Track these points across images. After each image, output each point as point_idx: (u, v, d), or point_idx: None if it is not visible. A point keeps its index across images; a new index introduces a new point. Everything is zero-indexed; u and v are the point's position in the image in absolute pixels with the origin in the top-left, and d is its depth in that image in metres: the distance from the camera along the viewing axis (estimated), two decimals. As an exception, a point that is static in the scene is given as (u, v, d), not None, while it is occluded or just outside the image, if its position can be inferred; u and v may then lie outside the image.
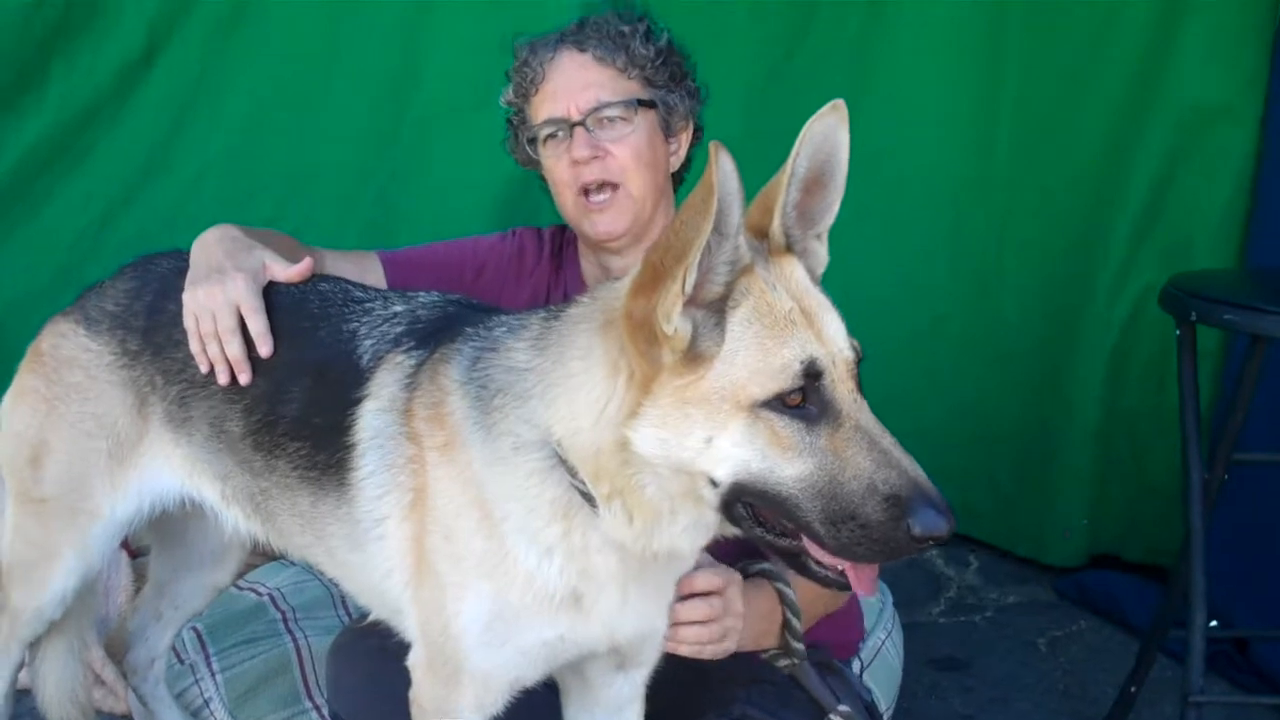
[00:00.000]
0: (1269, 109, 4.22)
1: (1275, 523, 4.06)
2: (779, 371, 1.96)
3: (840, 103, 2.06)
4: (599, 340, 2.11)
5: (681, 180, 3.13)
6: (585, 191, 2.93)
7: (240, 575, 3.71)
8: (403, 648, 2.48)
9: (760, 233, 2.09)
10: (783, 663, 2.68)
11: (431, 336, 2.46)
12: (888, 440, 1.97)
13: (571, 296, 2.93)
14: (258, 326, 2.61)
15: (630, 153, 2.91)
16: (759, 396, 1.96)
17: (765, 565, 2.64)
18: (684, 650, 2.54)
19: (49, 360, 2.86)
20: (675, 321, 1.96)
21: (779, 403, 1.96)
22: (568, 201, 2.97)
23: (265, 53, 4.54)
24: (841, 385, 1.98)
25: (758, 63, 4.69)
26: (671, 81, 2.99)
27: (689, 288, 1.94)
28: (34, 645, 3.13)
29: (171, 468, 2.81)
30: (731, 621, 2.53)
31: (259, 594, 3.85)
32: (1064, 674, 4.32)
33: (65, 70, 4.37)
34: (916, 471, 1.94)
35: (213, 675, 3.58)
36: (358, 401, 2.48)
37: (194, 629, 3.67)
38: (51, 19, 4.29)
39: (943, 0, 4.62)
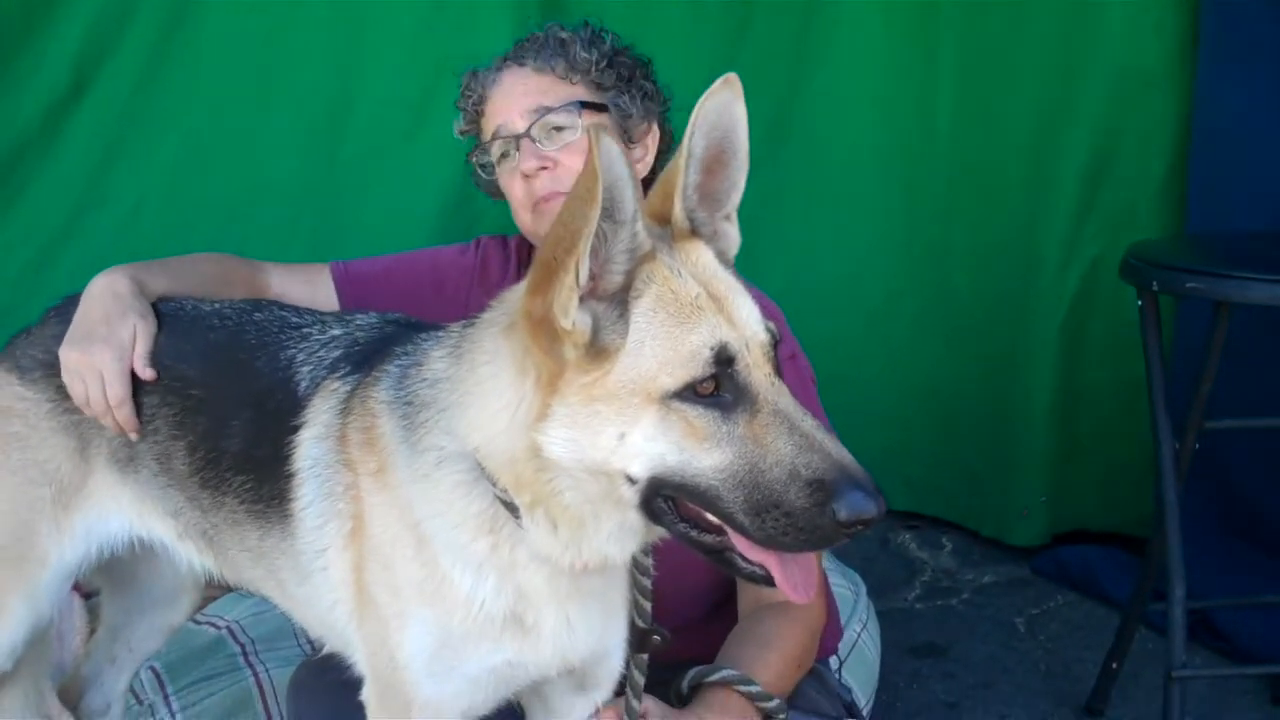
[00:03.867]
0: (1198, 75, 4.19)
1: (1235, 491, 4.00)
2: (688, 359, 1.88)
3: (733, 76, 1.97)
4: (504, 343, 2.03)
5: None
6: (536, 203, 2.83)
7: (198, 609, 3.62)
8: (361, 682, 2.40)
9: (663, 219, 2.02)
10: None
11: (367, 360, 2.39)
12: (809, 423, 1.89)
13: None
14: (116, 397, 2.59)
15: (576, 157, 2.77)
16: (670, 387, 1.88)
17: (724, 671, 2.54)
18: None
19: None
20: (573, 315, 1.88)
21: (691, 392, 1.88)
22: (524, 216, 2.87)
23: (198, 80, 4.50)
24: (757, 370, 1.91)
25: (700, 64, 4.63)
26: (621, 83, 2.88)
27: (583, 279, 1.87)
28: (-14, 698, 3.04)
29: (120, 507, 2.74)
30: None
31: (217, 627, 3.76)
32: (1045, 653, 4.28)
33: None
34: (841, 454, 1.86)
35: (172, 715, 3.49)
36: (295, 430, 2.41)
37: (151, 668, 3.58)
38: None
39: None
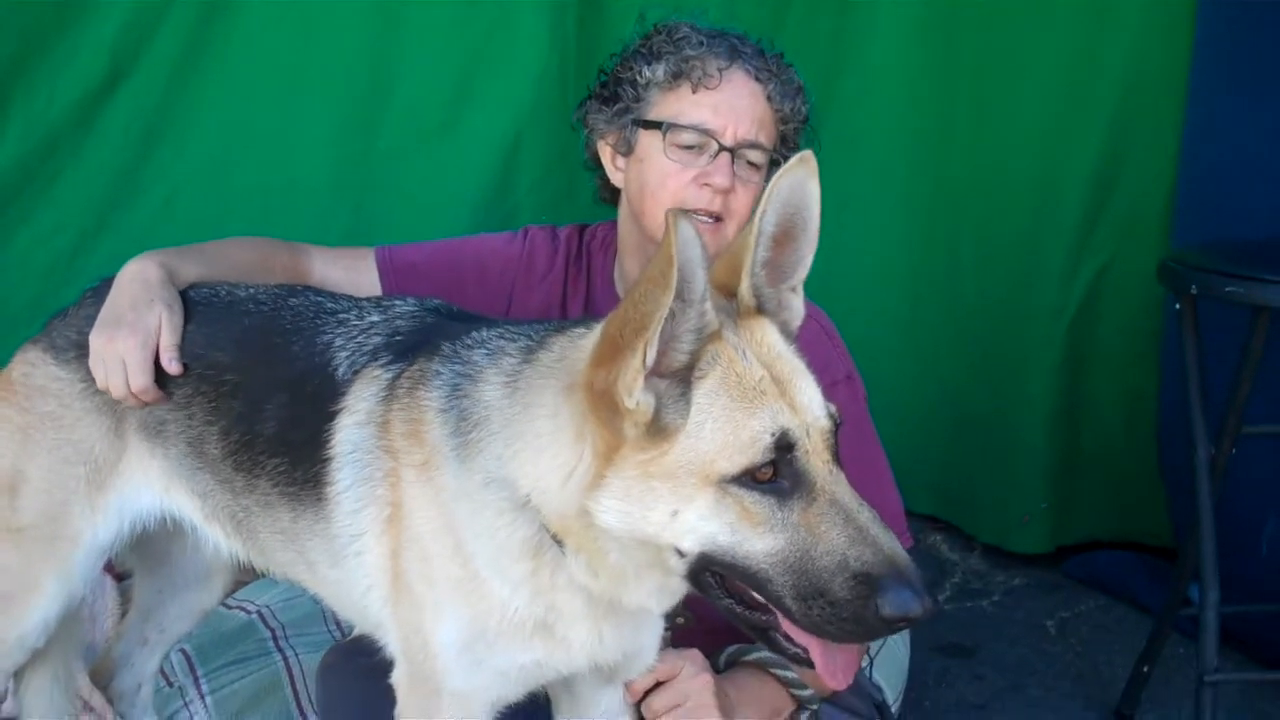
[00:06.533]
0: (1190, 83, 4.18)
1: (1253, 498, 3.95)
2: (748, 445, 1.87)
3: (808, 154, 1.99)
4: (565, 403, 2.02)
5: None
6: (691, 209, 2.73)
7: (229, 594, 3.64)
8: (391, 665, 2.41)
9: (728, 291, 2.01)
10: (803, 717, 2.60)
11: (410, 349, 2.39)
12: (865, 515, 1.88)
13: (594, 303, 2.82)
14: (139, 385, 2.60)
15: (748, 199, 2.75)
16: (728, 471, 1.87)
17: (761, 653, 2.54)
18: None
19: (20, 389, 2.79)
20: (637, 395, 1.87)
21: (749, 478, 1.88)
22: (663, 206, 2.72)
23: (233, 73, 4.47)
24: (816, 457, 1.90)
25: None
26: (797, 146, 2.84)
27: (650, 361, 1.86)
28: (18, 675, 3.06)
29: (150, 482, 2.76)
30: (697, 699, 2.41)
31: (248, 612, 3.78)
32: (1075, 656, 4.25)
33: (25, 101, 4.30)
34: (893, 548, 1.86)
35: (202, 697, 3.51)
36: (334, 415, 2.42)
37: (182, 650, 3.60)
38: (8, 51, 4.22)
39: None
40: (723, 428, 1.88)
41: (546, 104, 4.36)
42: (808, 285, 2.88)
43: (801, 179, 1.99)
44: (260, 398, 2.55)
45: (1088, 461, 4.73)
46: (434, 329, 2.43)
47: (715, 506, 1.88)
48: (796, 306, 2.08)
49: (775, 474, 1.88)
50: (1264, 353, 3.39)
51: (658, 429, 1.89)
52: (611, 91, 2.83)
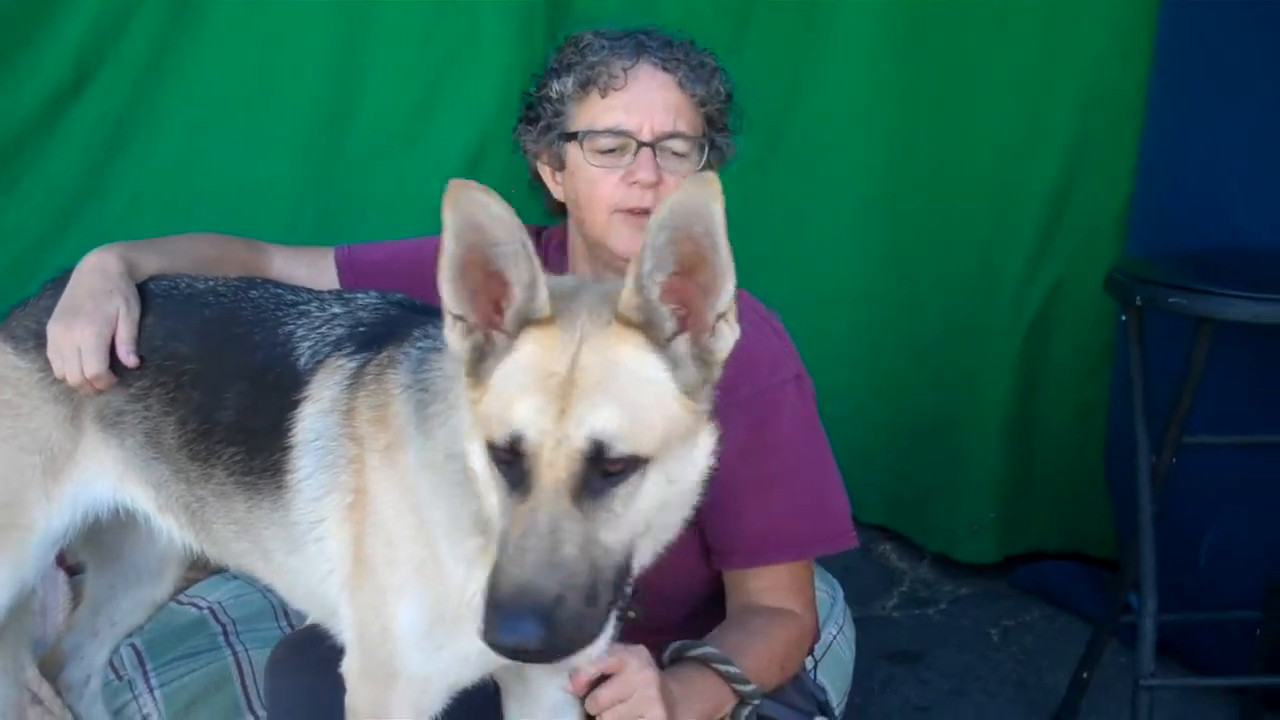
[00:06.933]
0: (1149, 96, 4.25)
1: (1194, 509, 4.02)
2: (499, 424, 1.94)
3: (711, 176, 1.91)
4: None
5: None
6: (626, 210, 2.74)
7: (180, 590, 3.65)
8: (340, 656, 2.43)
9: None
10: (744, 713, 2.62)
11: (375, 340, 2.43)
12: (535, 542, 1.89)
13: None
14: (93, 371, 2.63)
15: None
16: (488, 436, 1.97)
17: (705, 648, 2.56)
18: None
19: None
20: (451, 338, 2.03)
21: (494, 450, 1.96)
22: (599, 214, 2.75)
23: (200, 76, 4.47)
24: (549, 469, 1.91)
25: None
26: (726, 127, 2.85)
27: (451, 308, 2.01)
28: (-34, 666, 3.06)
29: (104, 472, 2.77)
30: (641, 692, 2.40)
31: (199, 607, 3.79)
32: (1018, 663, 4.32)
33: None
34: (524, 579, 1.87)
35: (151, 691, 3.51)
36: (296, 404, 2.45)
37: (132, 645, 3.60)
38: None
39: (869, 7, 4.62)
40: (499, 398, 1.96)
41: (512, 110, 4.30)
42: (766, 293, 2.92)
43: (702, 200, 1.90)
44: (219, 387, 2.57)
45: (1038, 473, 4.79)
46: (398, 320, 2.47)
47: (480, 457, 2.00)
48: (725, 332, 2.03)
49: (511, 464, 1.94)
50: (1207, 364, 3.44)
51: (479, 377, 2.01)
52: (535, 111, 2.86)
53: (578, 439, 1.90)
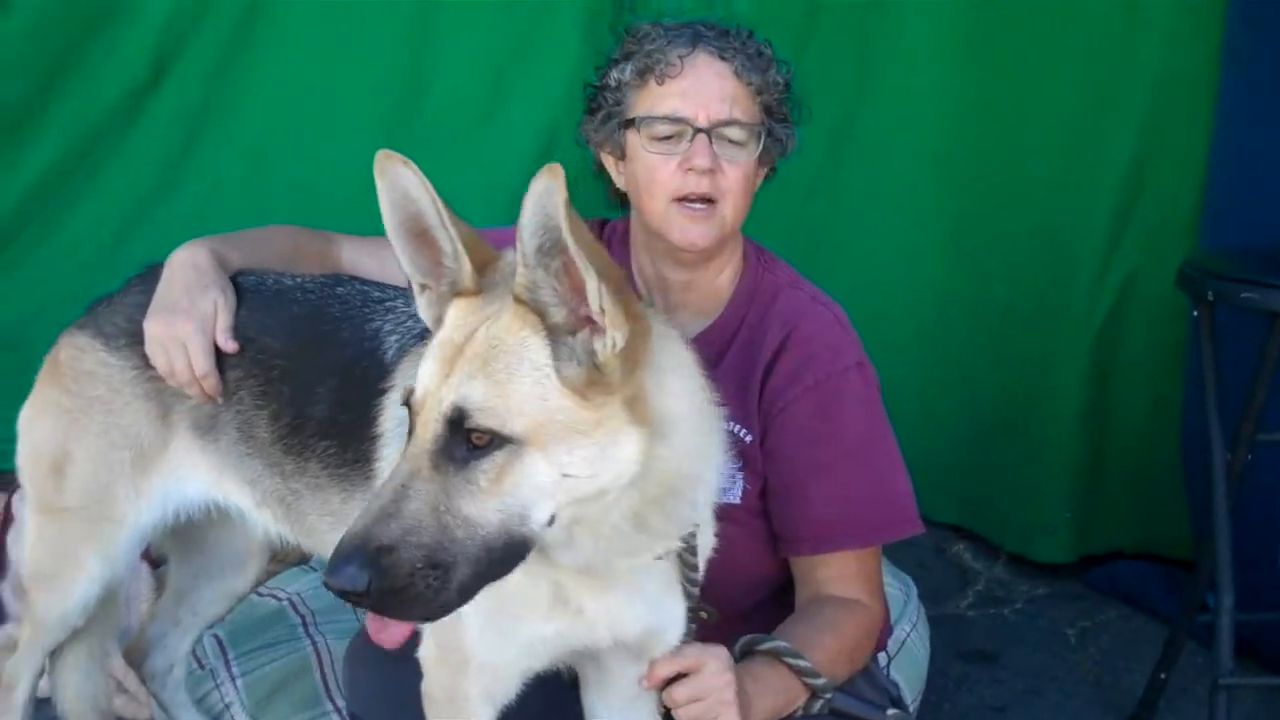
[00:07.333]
0: (1221, 85, 4.17)
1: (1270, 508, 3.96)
2: (407, 381, 2.06)
3: (555, 166, 1.88)
4: None
5: None
6: (682, 198, 2.76)
7: (260, 582, 3.72)
8: (416, 647, 2.46)
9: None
10: (816, 706, 2.63)
11: None
12: (388, 495, 1.94)
13: None
14: (201, 369, 2.70)
15: (740, 176, 2.75)
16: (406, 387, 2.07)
17: (775, 642, 2.57)
18: None
19: (68, 373, 2.89)
20: (419, 305, 2.15)
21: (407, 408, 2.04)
22: (658, 202, 2.76)
23: (275, 68, 4.58)
24: (422, 428, 1.97)
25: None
26: (785, 116, 2.86)
27: (412, 276, 2.14)
28: (55, 654, 3.14)
29: (198, 474, 2.85)
30: (719, 695, 2.40)
31: (278, 599, 3.86)
32: (1094, 664, 4.28)
33: (71, 95, 4.42)
34: (359, 525, 1.92)
35: (233, 680, 3.59)
36: (382, 393, 2.51)
37: (214, 635, 3.69)
38: (56, 44, 4.33)
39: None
40: (414, 359, 2.09)
41: (581, 98, 4.45)
42: (834, 288, 2.93)
43: (544, 188, 1.88)
44: (310, 382, 2.64)
45: (1112, 471, 4.74)
46: None
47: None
48: (608, 340, 1.98)
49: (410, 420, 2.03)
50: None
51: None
52: (596, 101, 2.89)
53: (445, 403, 1.96)
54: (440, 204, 2.05)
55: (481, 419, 1.94)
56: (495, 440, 1.94)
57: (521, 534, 1.98)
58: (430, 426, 1.96)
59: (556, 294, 1.97)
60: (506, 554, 1.98)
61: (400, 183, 2.08)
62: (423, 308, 2.14)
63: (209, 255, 2.80)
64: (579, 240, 1.89)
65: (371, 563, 1.88)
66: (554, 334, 1.99)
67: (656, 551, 2.20)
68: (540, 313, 1.99)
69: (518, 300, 1.99)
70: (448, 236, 2.05)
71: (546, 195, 1.87)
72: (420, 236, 2.10)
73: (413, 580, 1.90)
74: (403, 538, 1.90)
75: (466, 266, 2.05)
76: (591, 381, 1.98)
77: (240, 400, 2.73)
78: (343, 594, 1.91)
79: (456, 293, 2.07)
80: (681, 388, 2.13)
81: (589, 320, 1.98)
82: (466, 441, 1.94)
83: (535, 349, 1.98)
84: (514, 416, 1.94)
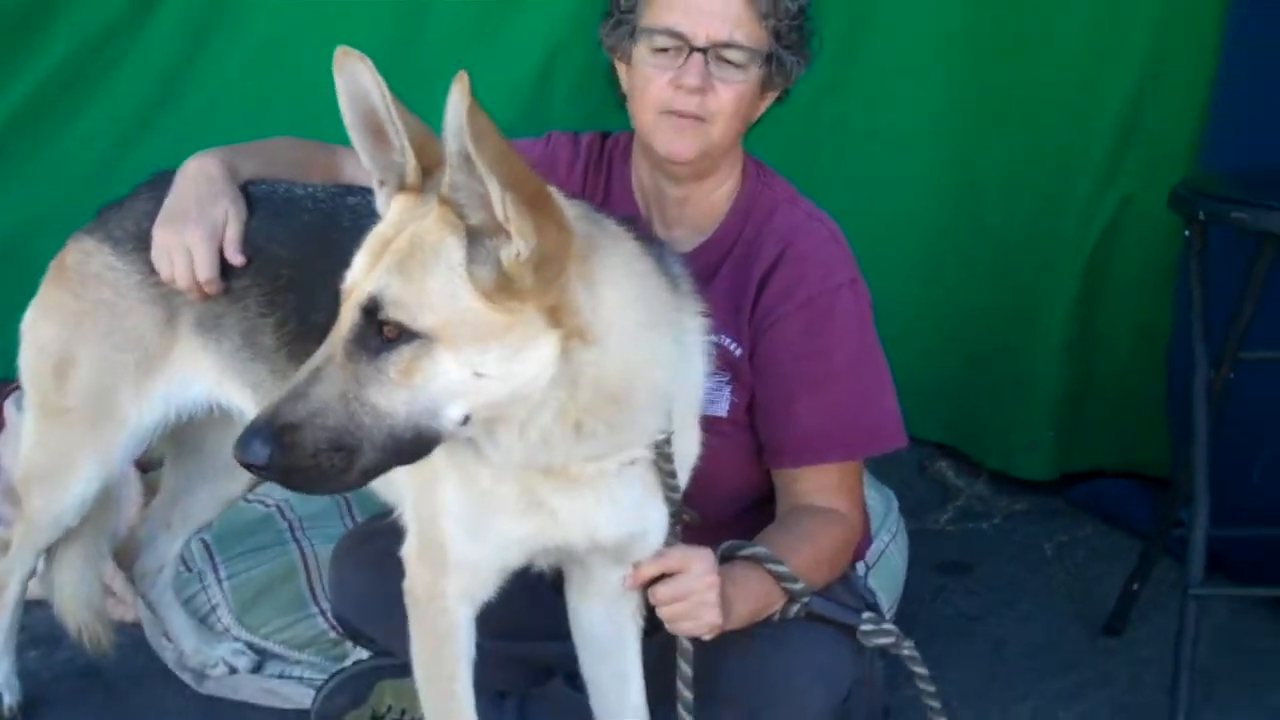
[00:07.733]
0: (1228, 12, 4.15)
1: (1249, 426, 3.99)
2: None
3: (459, 74, 1.92)
4: None
5: None
6: (669, 113, 2.75)
7: (251, 488, 3.74)
8: (400, 543, 2.52)
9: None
10: (794, 609, 2.68)
11: None
12: (310, 374, 2.01)
13: (612, 209, 2.89)
14: (205, 274, 2.73)
15: (732, 98, 2.73)
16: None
17: (756, 548, 2.60)
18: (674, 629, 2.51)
19: (74, 276, 2.91)
20: (377, 200, 2.20)
21: None
22: (647, 112, 2.76)
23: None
24: (345, 312, 2.04)
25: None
26: (796, 44, 2.83)
27: (372, 171, 2.19)
28: (49, 553, 3.20)
29: (200, 375, 2.89)
30: (701, 596, 2.44)
31: (267, 505, 3.89)
32: (1069, 577, 4.34)
33: (71, 4, 4.37)
34: (276, 407, 1.99)
35: (219, 582, 3.64)
36: None
37: (202, 539, 3.72)
38: None
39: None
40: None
41: (586, 14, 4.38)
42: (834, 210, 2.94)
43: (452, 98, 1.92)
44: (315, 290, 2.62)
45: (1097, 392, 4.77)
46: None
47: None
48: (512, 245, 1.99)
49: None
50: (1267, 281, 3.44)
51: None
52: (611, 6, 2.88)
53: (361, 295, 2.01)
54: (390, 100, 2.08)
55: (392, 311, 1.98)
56: (405, 334, 1.99)
57: (432, 427, 2.03)
58: (348, 315, 2.02)
59: (479, 198, 1.99)
60: (416, 445, 2.04)
61: (357, 78, 2.12)
62: (379, 202, 2.18)
63: (221, 165, 2.81)
64: (480, 148, 1.92)
65: (275, 439, 1.95)
66: (474, 236, 2.01)
67: (620, 458, 2.24)
68: (462, 215, 2.01)
69: (442, 201, 2.02)
70: (395, 131, 2.09)
71: (459, 101, 1.91)
72: (378, 133, 2.14)
73: (316, 460, 1.97)
74: (309, 419, 1.97)
75: (411, 161, 2.10)
76: (501, 286, 2.00)
77: (246, 308, 2.76)
78: (246, 466, 1.98)
79: (400, 188, 2.12)
80: (619, 298, 2.12)
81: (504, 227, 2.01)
82: (379, 333, 1.99)
83: (452, 248, 2.01)
84: (423, 311, 1.98)
